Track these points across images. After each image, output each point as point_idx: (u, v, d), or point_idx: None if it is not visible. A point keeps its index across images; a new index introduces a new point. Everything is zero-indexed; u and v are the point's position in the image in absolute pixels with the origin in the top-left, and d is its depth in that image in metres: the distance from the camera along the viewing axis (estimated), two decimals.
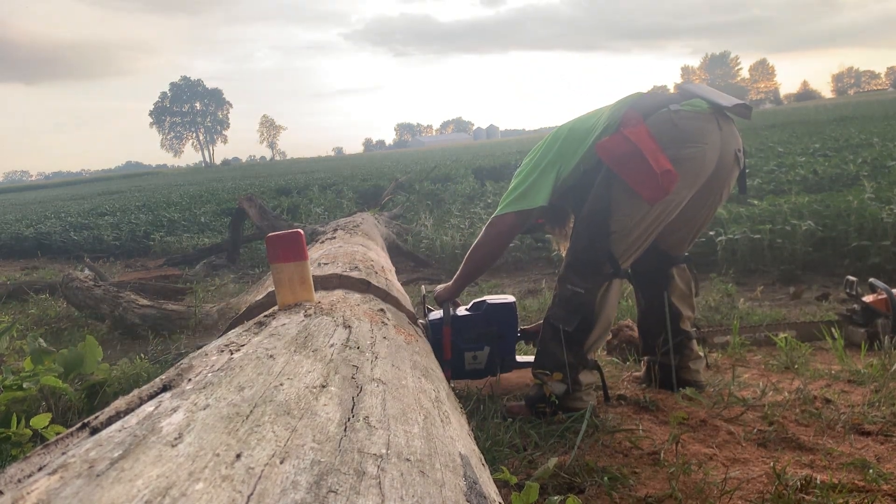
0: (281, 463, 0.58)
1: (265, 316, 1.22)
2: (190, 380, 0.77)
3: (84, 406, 2.49)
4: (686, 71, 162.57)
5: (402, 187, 12.23)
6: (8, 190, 66.56)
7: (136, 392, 0.73)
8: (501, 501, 0.88)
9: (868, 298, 2.95)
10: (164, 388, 0.74)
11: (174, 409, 0.65)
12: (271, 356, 0.90)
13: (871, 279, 3.08)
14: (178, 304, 3.91)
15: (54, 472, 0.50)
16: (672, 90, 2.21)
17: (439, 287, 2.44)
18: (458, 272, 2.34)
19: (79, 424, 0.65)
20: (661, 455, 1.82)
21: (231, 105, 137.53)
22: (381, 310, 1.49)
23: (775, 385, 2.35)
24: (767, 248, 4.79)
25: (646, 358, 2.44)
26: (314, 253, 2.39)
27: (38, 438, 2.03)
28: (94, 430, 0.62)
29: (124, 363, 2.86)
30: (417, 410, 0.92)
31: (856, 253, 4.55)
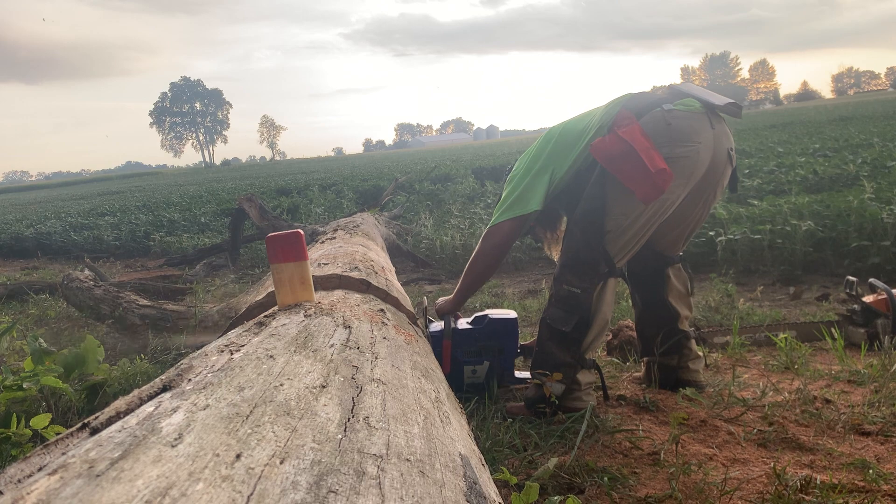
0: (281, 463, 0.58)
1: (265, 316, 1.22)
2: (190, 380, 0.77)
3: (84, 406, 2.49)
4: (686, 71, 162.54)
5: (402, 187, 12.23)
6: (8, 190, 66.56)
7: (136, 392, 0.73)
8: (501, 502, 0.88)
9: (868, 298, 2.95)
10: (164, 389, 0.74)
11: (174, 410, 0.65)
12: (271, 356, 0.90)
13: (871, 279, 3.08)
14: (178, 305, 3.91)
15: (54, 472, 0.50)
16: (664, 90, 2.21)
17: (440, 300, 2.44)
18: (458, 285, 2.34)
19: (79, 425, 0.65)
20: (661, 455, 1.82)
21: (231, 105, 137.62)
22: (381, 310, 1.49)
23: (775, 385, 2.35)
24: (767, 249, 4.79)
25: (645, 359, 2.44)
26: (314, 253, 2.39)
27: (38, 438, 2.03)
28: (94, 431, 0.62)
29: (124, 363, 2.86)
30: (417, 411, 0.92)
31: (856, 253, 4.54)
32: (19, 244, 10.39)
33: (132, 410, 0.66)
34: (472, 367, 2.35)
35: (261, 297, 1.56)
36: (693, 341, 2.37)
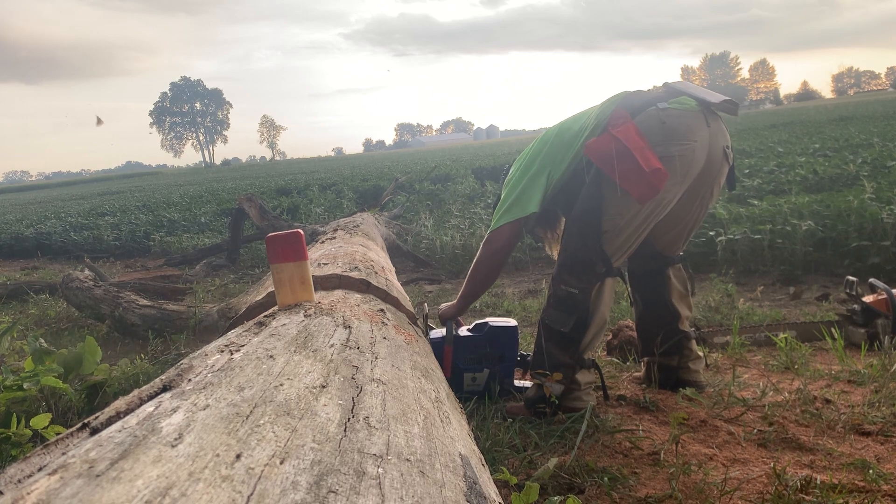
0: (281, 463, 0.58)
1: (265, 316, 1.22)
2: (190, 380, 0.77)
3: (84, 406, 2.49)
4: (686, 71, 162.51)
5: (402, 187, 12.23)
6: (8, 190, 66.55)
7: (136, 392, 0.73)
8: (501, 502, 0.88)
9: (868, 299, 2.95)
10: (164, 389, 0.74)
11: (174, 410, 0.65)
12: (271, 356, 0.90)
13: (871, 279, 3.08)
14: (178, 305, 3.91)
15: (54, 472, 0.50)
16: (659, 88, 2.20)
17: (443, 306, 2.43)
18: (461, 291, 2.34)
19: (79, 425, 0.65)
20: (661, 455, 1.82)
21: (231, 105, 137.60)
22: (381, 310, 1.49)
23: (775, 385, 2.35)
24: (767, 249, 4.78)
25: (645, 359, 2.44)
26: (314, 253, 2.39)
27: (38, 438, 2.03)
28: (94, 431, 0.62)
29: (124, 363, 2.86)
30: (417, 411, 0.92)
31: (856, 253, 4.54)
32: (19, 244, 10.38)
33: (132, 410, 0.66)
34: (472, 374, 2.34)
35: (261, 297, 1.56)
36: (693, 342, 2.37)
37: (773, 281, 4.53)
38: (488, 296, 4.51)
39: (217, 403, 0.68)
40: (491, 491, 0.86)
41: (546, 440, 1.99)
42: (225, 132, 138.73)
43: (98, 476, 0.49)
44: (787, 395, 2.23)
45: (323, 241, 2.92)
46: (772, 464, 1.70)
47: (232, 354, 0.89)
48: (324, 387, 0.84)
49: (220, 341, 1.00)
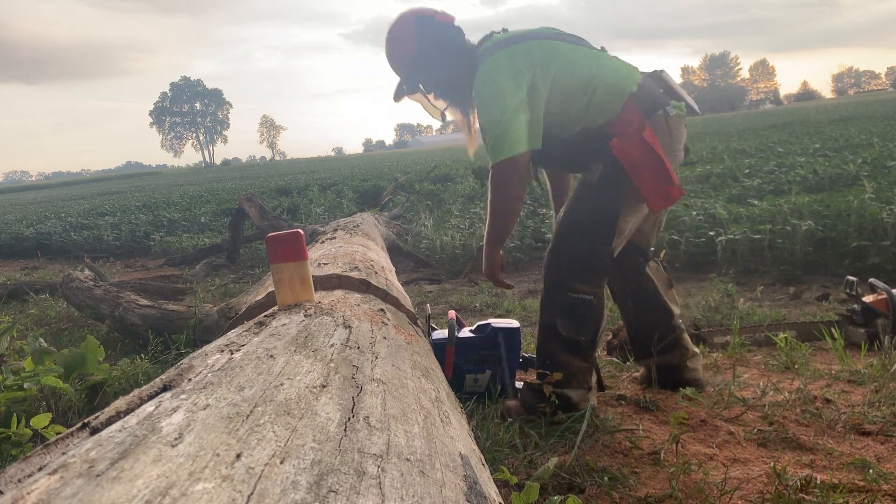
0: (281, 463, 0.58)
1: (265, 316, 1.22)
2: (190, 380, 0.77)
3: (84, 406, 2.49)
4: (686, 71, 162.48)
5: (402, 187, 12.23)
6: (8, 190, 66.56)
7: (136, 392, 0.73)
8: (502, 501, 0.88)
9: (868, 299, 2.95)
10: (164, 388, 0.74)
11: (174, 409, 0.65)
12: (271, 356, 0.90)
13: (871, 279, 3.08)
14: (178, 305, 3.91)
15: (54, 472, 0.50)
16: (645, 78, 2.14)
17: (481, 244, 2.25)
18: (486, 230, 2.19)
19: (79, 424, 0.65)
20: (661, 455, 1.83)
21: (231, 105, 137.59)
22: (381, 310, 1.49)
23: (775, 385, 2.35)
24: (767, 249, 4.78)
25: (645, 360, 2.43)
26: (314, 253, 2.39)
27: (39, 438, 2.03)
28: (95, 430, 0.62)
29: (124, 363, 2.86)
30: (417, 410, 0.92)
31: (856, 253, 4.54)
32: (19, 244, 10.38)
33: (132, 410, 0.66)
34: (474, 375, 2.34)
35: (261, 297, 1.56)
36: (687, 335, 2.37)
37: (773, 281, 4.53)
38: (488, 295, 4.51)
39: (217, 403, 0.68)
40: (491, 491, 0.86)
41: (546, 440, 1.99)
42: (225, 132, 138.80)
43: (98, 476, 0.49)
44: (787, 394, 2.23)
45: (323, 241, 2.92)
46: (772, 464, 1.70)
47: (232, 354, 0.89)
48: (324, 386, 0.84)
49: (221, 341, 1.00)
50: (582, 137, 2.08)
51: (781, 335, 2.83)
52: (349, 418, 0.76)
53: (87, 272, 5.13)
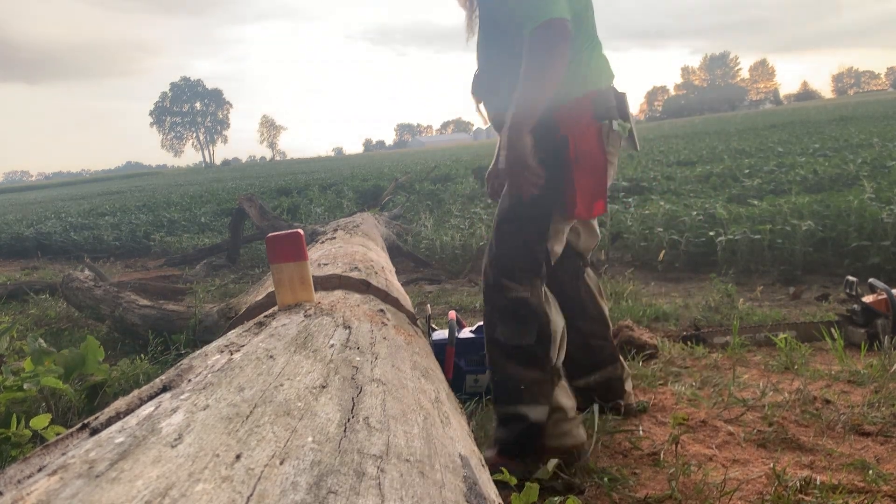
0: (281, 463, 0.58)
1: (265, 316, 1.22)
2: (190, 380, 0.77)
3: (84, 406, 2.49)
4: (686, 71, 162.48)
5: (402, 187, 12.23)
6: (8, 190, 66.57)
7: (135, 393, 0.73)
8: (501, 502, 0.88)
9: (868, 299, 2.95)
10: (164, 389, 0.74)
11: (174, 410, 0.65)
12: (271, 357, 0.90)
13: (871, 279, 3.08)
14: (178, 305, 3.91)
15: (54, 472, 0.50)
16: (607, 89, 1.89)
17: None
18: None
19: (79, 425, 0.65)
20: (661, 455, 1.83)
21: (231, 105, 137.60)
22: (381, 310, 1.49)
23: (775, 385, 2.35)
24: (767, 249, 4.78)
25: (580, 380, 2.14)
26: (314, 253, 2.39)
27: (38, 439, 2.03)
28: (94, 431, 0.62)
29: (124, 363, 2.86)
30: (417, 411, 0.92)
31: (856, 253, 4.54)
32: (19, 244, 10.38)
33: (132, 411, 0.66)
34: (475, 376, 2.34)
35: (261, 297, 1.56)
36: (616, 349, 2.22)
37: (773, 281, 4.53)
38: None
39: (217, 404, 0.68)
40: (491, 491, 0.86)
41: None
42: (225, 132, 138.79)
43: (98, 476, 0.49)
44: (786, 395, 2.23)
45: (323, 242, 2.92)
46: (772, 464, 1.70)
47: (232, 354, 0.89)
48: (324, 387, 0.84)
49: (220, 341, 1.01)
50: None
51: (781, 335, 2.83)
52: (349, 419, 0.76)
53: (87, 272, 5.13)
